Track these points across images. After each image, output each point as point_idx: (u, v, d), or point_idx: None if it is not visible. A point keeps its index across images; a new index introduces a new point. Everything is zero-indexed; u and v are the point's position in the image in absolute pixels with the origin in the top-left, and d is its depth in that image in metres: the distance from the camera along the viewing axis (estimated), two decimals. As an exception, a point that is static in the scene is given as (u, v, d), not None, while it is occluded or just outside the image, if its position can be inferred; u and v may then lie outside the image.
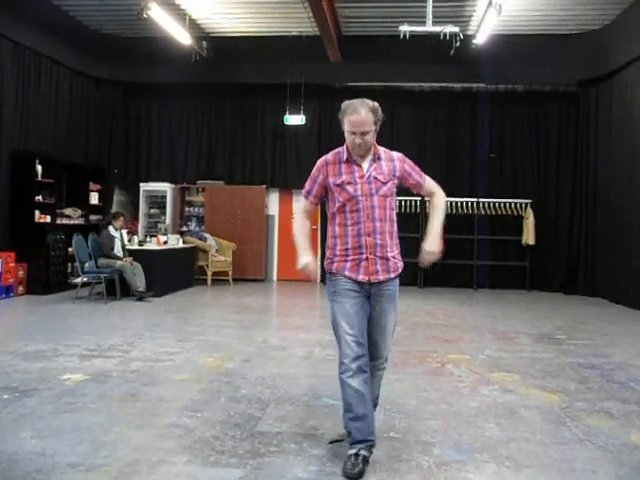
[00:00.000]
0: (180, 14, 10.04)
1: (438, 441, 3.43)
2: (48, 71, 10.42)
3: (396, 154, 3.32)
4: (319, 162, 3.31)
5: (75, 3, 10.01)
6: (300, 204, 3.44)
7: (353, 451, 3.01)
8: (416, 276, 11.48)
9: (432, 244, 3.22)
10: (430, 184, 3.38)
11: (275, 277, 12.65)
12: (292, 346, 6.03)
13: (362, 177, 3.17)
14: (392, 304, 3.23)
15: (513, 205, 11.52)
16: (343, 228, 3.18)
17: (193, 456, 3.14)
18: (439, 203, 3.38)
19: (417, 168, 3.35)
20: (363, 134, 3.10)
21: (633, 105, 9.58)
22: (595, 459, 3.21)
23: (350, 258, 3.15)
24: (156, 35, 10.29)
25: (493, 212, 11.52)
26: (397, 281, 3.26)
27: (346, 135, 3.18)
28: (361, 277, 3.13)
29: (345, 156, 3.22)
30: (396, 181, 3.26)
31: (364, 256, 3.13)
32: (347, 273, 3.15)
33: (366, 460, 3.01)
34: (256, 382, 4.58)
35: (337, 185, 3.19)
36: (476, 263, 11.57)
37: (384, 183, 3.18)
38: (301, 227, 3.38)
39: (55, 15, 10.07)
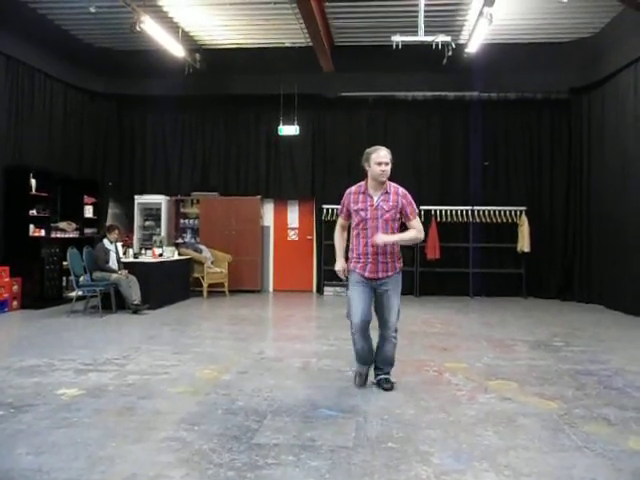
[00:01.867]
0: (173, 27, 10.07)
1: (437, 450, 3.42)
2: (42, 85, 10.43)
3: (402, 190, 4.62)
4: (346, 191, 4.70)
5: (68, 17, 10.03)
6: (338, 221, 4.86)
7: (357, 370, 4.80)
8: (412, 285, 11.48)
9: (387, 238, 4.49)
10: (416, 223, 4.62)
11: (271, 288, 12.62)
12: (289, 357, 6.00)
13: (372, 205, 4.53)
14: (394, 290, 4.58)
15: (508, 212, 11.55)
16: (357, 239, 4.60)
17: (191, 469, 3.11)
18: (413, 232, 4.64)
19: (414, 206, 4.64)
20: (386, 164, 4.49)
21: (625, 112, 9.65)
22: (594, 466, 3.21)
23: (361, 260, 4.57)
24: (149, 48, 10.32)
25: (488, 220, 11.54)
26: (397, 276, 4.62)
27: (373, 168, 4.50)
28: (367, 274, 4.54)
29: (364, 189, 4.59)
30: (398, 209, 4.56)
31: (369, 259, 4.53)
32: (358, 271, 4.57)
33: (360, 374, 4.79)
34: (253, 394, 4.56)
35: (355, 210, 4.58)
36: (472, 271, 11.58)
37: (387, 211, 4.53)
38: (338, 238, 4.84)
39: (48, 29, 10.09)
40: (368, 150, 4.61)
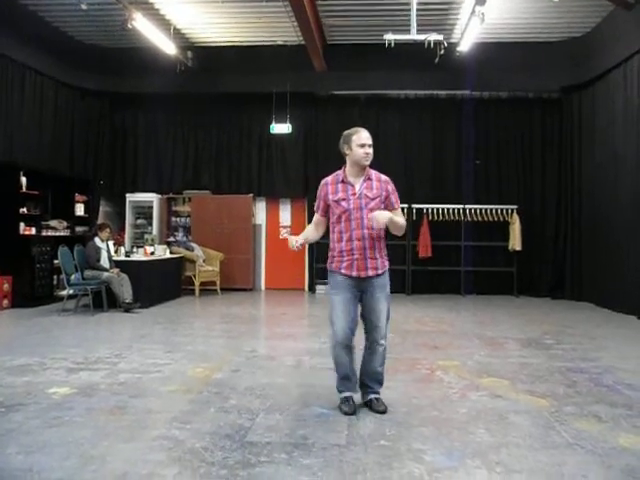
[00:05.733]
0: (165, 24, 10.04)
1: (429, 448, 3.43)
2: (32, 82, 10.36)
3: (384, 177, 4.13)
4: (322, 182, 4.16)
5: (59, 14, 9.98)
6: (314, 218, 4.25)
7: (342, 395, 4.09)
8: (404, 283, 11.51)
9: (384, 215, 3.88)
10: (399, 212, 4.15)
11: (263, 286, 12.62)
12: (281, 355, 6.00)
13: (354, 194, 4.01)
14: (383, 293, 4.04)
15: (499, 211, 11.60)
16: (339, 235, 4.04)
17: (183, 468, 3.11)
18: (402, 218, 4.15)
19: (397, 195, 4.15)
20: (370, 146, 4.01)
21: (615, 110, 9.71)
22: (584, 463, 3.23)
23: (345, 259, 4.01)
24: (141, 45, 10.28)
25: (479, 218, 11.58)
26: (386, 275, 4.09)
27: (355, 150, 4.00)
28: (354, 273, 3.98)
29: (342, 177, 4.08)
30: (383, 198, 4.05)
31: (355, 257, 3.98)
32: (344, 271, 4.01)
33: (347, 400, 4.09)
34: (245, 392, 4.55)
35: (334, 201, 4.04)
36: (463, 269, 11.62)
37: (372, 199, 4.00)
38: (308, 229, 4.29)
39: (39, 26, 10.04)
40: (348, 132, 4.10)
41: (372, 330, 4.06)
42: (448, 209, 11.58)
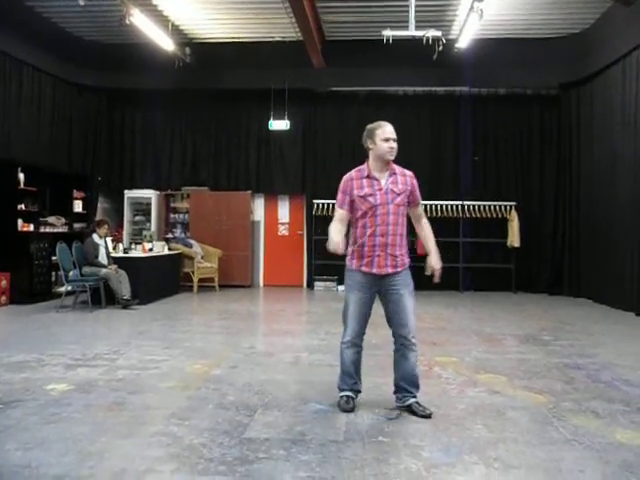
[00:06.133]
0: (162, 20, 10.02)
1: (427, 444, 3.43)
2: (30, 78, 10.33)
3: (408, 172, 4.07)
4: (346, 177, 4.01)
5: (57, 10, 9.96)
6: (336, 215, 4.01)
7: (343, 394, 4.04)
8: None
9: (438, 261, 4.03)
10: (421, 208, 4.17)
11: (261, 283, 12.61)
12: (279, 352, 6.01)
13: (380, 189, 3.91)
14: (407, 289, 3.95)
15: (497, 207, 11.60)
16: (362, 230, 3.93)
17: (181, 464, 3.11)
18: (429, 227, 4.18)
19: (418, 190, 4.09)
20: (394, 140, 3.94)
21: (613, 107, 9.71)
22: (582, 458, 3.24)
23: (366, 255, 3.90)
24: (139, 42, 10.25)
25: (478, 215, 11.58)
26: (408, 272, 4.00)
27: (379, 145, 3.92)
28: (374, 270, 3.89)
29: (367, 173, 3.96)
30: (408, 193, 3.98)
31: (377, 253, 3.89)
32: (364, 269, 3.91)
33: (347, 399, 4.03)
34: (243, 388, 4.55)
35: (360, 196, 3.91)
36: (462, 266, 11.62)
37: (398, 194, 3.93)
38: (334, 227, 3.90)
39: (37, 21, 10.02)
40: (371, 126, 4.02)
41: (400, 329, 3.93)
42: (446, 205, 11.58)
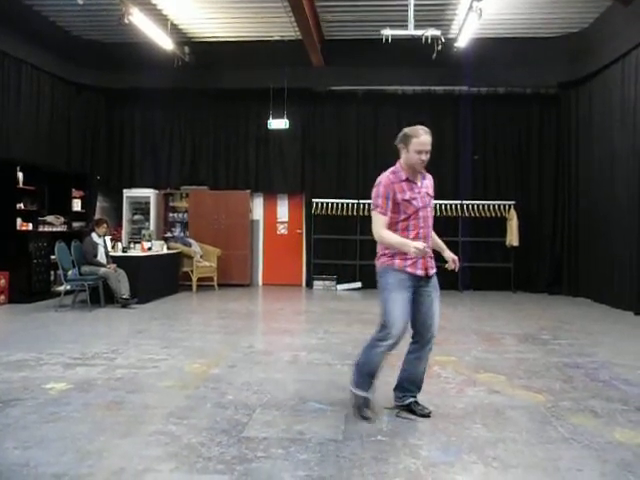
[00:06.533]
0: (162, 19, 10.00)
1: (426, 443, 3.44)
2: (29, 78, 10.31)
3: (428, 175, 4.05)
4: (384, 181, 3.84)
5: (56, 8, 9.94)
6: (380, 222, 3.84)
7: (365, 394, 3.87)
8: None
9: (452, 254, 4.04)
10: None
11: (260, 282, 12.61)
12: (278, 351, 6.01)
13: (420, 192, 3.87)
14: (437, 292, 4.01)
15: (496, 207, 11.60)
16: (406, 232, 3.83)
17: (180, 463, 3.11)
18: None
19: None
20: (427, 152, 3.83)
21: (612, 106, 9.71)
22: (580, 457, 3.24)
23: (410, 256, 3.77)
24: (138, 41, 10.24)
25: (477, 214, 11.59)
26: (435, 275, 4.02)
27: (411, 155, 3.81)
28: (419, 272, 3.84)
29: (405, 176, 3.85)
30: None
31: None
32: (409, 270, 3.82)
33: (367, 401, 3.88)
34: (242, 387, 4.55)
35: (405, 200, 3.81)
36: (461, 265, 11.59)
37: (431, 197, 3.98)
38: (392, 234, 3.82)
39: (35, 20, 10.00)
40: (408, 131, 3.87)
41: (426, 331, 3.92)
42: (445, 205, 11.57)
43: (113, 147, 12.57)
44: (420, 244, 3.66)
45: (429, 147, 3.83)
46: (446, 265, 4.00)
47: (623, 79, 9.32)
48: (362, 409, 3.86)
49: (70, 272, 8.67)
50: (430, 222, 3.95)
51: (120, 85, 11.84)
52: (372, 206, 3.89)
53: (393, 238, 3.80)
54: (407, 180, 3.84)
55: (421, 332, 3.93)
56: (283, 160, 12.34)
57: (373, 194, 3.86)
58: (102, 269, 8.78)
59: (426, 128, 3.90)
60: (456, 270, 4.06)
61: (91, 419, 3.78)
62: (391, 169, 3.91)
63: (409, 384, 4.00)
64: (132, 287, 8.88)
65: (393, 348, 3.83)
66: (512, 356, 5.83)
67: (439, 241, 4.16)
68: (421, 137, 3.81)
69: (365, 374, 3.88)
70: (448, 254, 4.05)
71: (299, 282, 12.44)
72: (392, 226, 3.83)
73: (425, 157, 3.82)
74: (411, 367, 3.99)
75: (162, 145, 12.54)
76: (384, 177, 3.86)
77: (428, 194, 3.94)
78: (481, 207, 11.60)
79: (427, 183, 3.98)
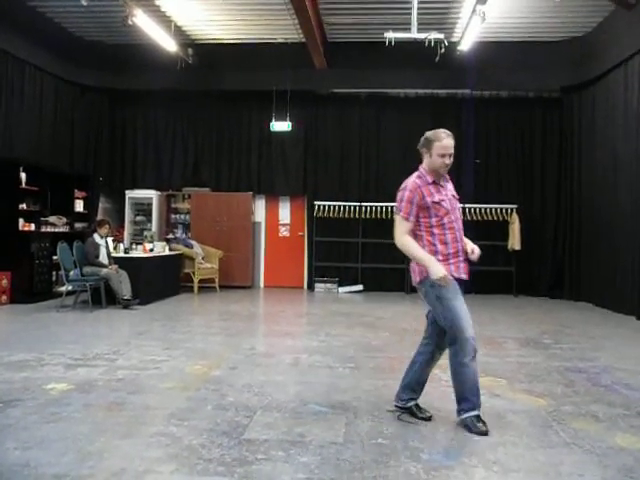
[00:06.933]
0: (165, 21, 10.03)
1: (426, 446, 3.43)
2: (32, 78, 10.34)
3: (448, 178, 3.97)
4: (411, 185, 3.78)
5: (59, 10, 9.97)
6: (402, 227, 3.78)
7: (477, 413, 3.67)
8: (403, 282, 11.51)
9: (472, 244, 3.93)
10: None
11: (262, 284, 12.61)
12: (279, 353, 6.01)
13: (447, 195, 3.83)
14: (464, 296, 3.84)
15: (499, 210, 11.60)
16: (443, 237, 3.76)
17: (180, 465, 3.11)
18: None
19: None
20: (450, 156, 3.78)
21: (615, 111, 9.70)
22: (582, 462, 3.23)
23: (452, 261, 3.76)
24: (141, 42, 10.28)
25: (479, 217, 11.57)
26: None
27: (434, 159, 3.77)
28: (464, 275, 3.83)
29: (431, 179, 3.80)
30: None
31: (461, 257, 3.82)
32: (454, 274, 3.73)
33: (475, 420, 3.68)
34: (243, 389, 4.55)
35: (435, 202, 3.75)
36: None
37: (457, 199, 3.93)
38: (416, 244, 3.77)
39: (39, 21, 10.03)
40: (431, 135, 3.85)
41: (444, 335, 3.84)
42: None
43: (116, 148, 12.59)
44: (443, 272, 3.59)
45: (452, 150, 3.80)
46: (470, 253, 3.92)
47: (626, 84, 9.32)
48: (476, 426, 3.64)
49: (72, 273, 8.68)
50: (460, 224, 3.86)
51: (123, 86, 11.86)
52: (395, 209, 3.86)
53: (416, 250, 3.73)
54: (434, 183, 3.79)
55: (441, 335, 3.86)
56: (285, 162, 12.35)
57: (397, 198, 3.81)
58: (104, 270, 8.79)
59: (448, 131, 3.87)
60: (476, 260, 3.94)
61: (92, 420, 3.78)
62: (416, 174, 3.86)
63: (418, 386, 3.97)
64: (134, 288, 8.89)
65: (476, 352, 3.75)
66: (513, 360, 5.82)
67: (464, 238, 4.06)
68: (443, 140, 3.78)
69: (471, 394, 3.70)
70: (470, 245, 3.94)
71: (301, 284, 12.44)
72: (426, 231, 3.76)
73: (449, 161, 3.78)
74: (425, 369, 3.97)
75: (165, 146, 12.56)
76: (410, 181, 3.81)
77: (454, 196, 3.89)
78: (483, 211, 11.60)
79: (450, 186, 3.94)
